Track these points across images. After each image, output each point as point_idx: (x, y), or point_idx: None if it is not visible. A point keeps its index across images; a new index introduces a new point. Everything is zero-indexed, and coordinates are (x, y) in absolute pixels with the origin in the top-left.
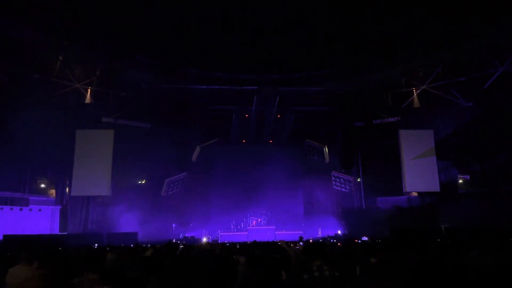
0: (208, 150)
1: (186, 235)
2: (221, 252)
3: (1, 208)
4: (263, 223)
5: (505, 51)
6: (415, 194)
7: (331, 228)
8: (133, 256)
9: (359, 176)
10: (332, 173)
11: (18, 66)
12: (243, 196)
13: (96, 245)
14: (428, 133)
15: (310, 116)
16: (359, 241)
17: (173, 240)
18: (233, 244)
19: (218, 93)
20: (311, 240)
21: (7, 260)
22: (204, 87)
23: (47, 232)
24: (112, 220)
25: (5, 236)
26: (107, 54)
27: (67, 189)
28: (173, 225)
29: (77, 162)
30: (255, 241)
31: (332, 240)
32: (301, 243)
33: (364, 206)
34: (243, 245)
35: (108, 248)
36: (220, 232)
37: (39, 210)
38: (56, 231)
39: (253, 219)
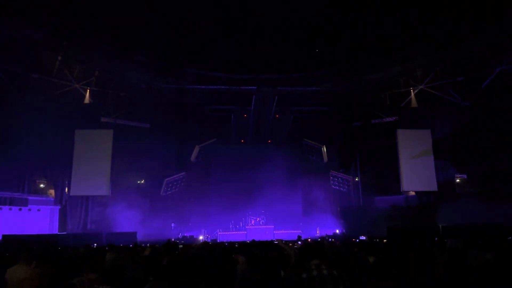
0: (207, 150)
1: (185, 235)
2: (219, 252)
3: (0, 208)
4: (262, 222)
5: (502, 50)
6: (413, 193)
7: (329, 227)
8: (132, 255)
9: (357, 176)
10: (330, 173)
11: (17, 66)
12: (242, 195)
13: (96, 244)
14: (426, 132)
15: (308, 116)
16: (357, 241)
17: (172, 239)
18: (231, 244)
19: (217, 93)
20: (309, 239)
21: (6, 260)
22: (203, 87)
23: (46, 232)
24: (111, 220)
25: (4, 236)
26: (106, 54)
27: (66, 189)
28: (172, 224)
29: (76, 162)
30: (253, 241)
31: (330, 239)
32: (299, 242)
33: (362, 205)
34: (242, 244)
35: (107, 248)
36: (219, 231)
37: (38, 210)
38: (55, 231)
39: (252, 218)
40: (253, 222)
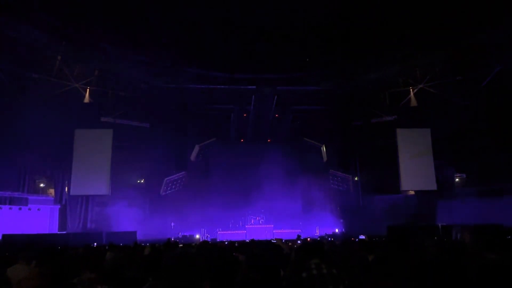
0: (207, 149)
1: (185, 234)
2: (220, 251)
3: (0, 208)
4: (262, 221)
5: (502, 49)
6: (412, 192)
7: (329, 226)
8: (131, 255)
9: (356, 175)
10: (330, 172)
11: (16, 65)
12: (241, 194)
13: (95, 244)
14: (425, 131)
15: (308, 115)
16: (357, 240)
17: (171, 238)
18: (231, 243)
19: (216, 92)
20: (309, 239)
21: (5, 260)
22: (203, 86)
23: (46, 232)
24: (111, 219)
25: (4, 236)
26: (105, 54)
27: (66, 189)
28: (172, 223)
29: (76, 162)
30: (253, 240)
31: (330, 239)
32: (299, 242)
33: (361, 205)
34: (242, 243)
35: (107, 247)
36: (219, 230)
37: (38, 209)
38: (55, 230)
39: (252, 217)
40: (252, 221)
